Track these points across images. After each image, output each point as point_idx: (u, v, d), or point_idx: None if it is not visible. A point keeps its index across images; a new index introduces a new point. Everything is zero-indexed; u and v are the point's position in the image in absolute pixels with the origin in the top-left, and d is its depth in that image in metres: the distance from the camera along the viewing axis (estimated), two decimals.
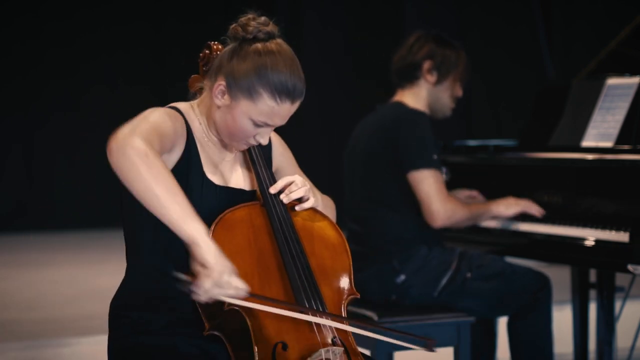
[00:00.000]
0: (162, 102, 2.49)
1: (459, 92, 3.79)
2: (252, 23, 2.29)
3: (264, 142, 2.33)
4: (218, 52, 2.34)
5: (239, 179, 2.40)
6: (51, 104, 8.60)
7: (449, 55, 3.72)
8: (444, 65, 3.71)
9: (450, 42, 3.76)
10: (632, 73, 3.55)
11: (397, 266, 3.57)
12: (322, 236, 2.39)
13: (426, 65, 3.70)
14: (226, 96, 2.29)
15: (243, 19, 2.31)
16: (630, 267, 3.10)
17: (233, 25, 2.31)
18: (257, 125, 2.29)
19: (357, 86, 8.76)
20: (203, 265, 2.06)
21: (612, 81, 3.58)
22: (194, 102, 2.41)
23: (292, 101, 2.28)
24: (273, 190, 2.35)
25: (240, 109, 2.27)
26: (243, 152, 2.44)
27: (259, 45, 2.27)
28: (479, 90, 8.76)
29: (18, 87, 8.48)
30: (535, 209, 3.55)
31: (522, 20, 8.29)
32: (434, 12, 8.45)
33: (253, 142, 2.34)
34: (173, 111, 2.31)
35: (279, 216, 2.33)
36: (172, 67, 8.18)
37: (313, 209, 2.42)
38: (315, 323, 2.24)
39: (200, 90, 2.41)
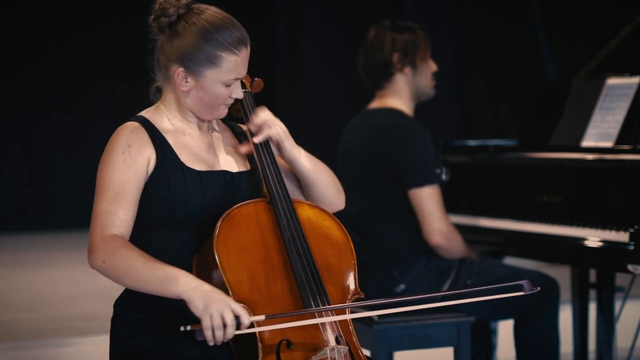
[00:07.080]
0: None
1: (433, 67, 3.73)
2: (168, 6, 2.35)
3: (239, 95, 2.38)
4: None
5: (225, 161, 2.42)
6: (51, 104, 8.58)
7: (411, 39, 3.66)
8: (410, 50, 3.65)
9: (405, 26, 3.69)
10: (632, 73, 3.55)
11: (397, 276, 3.54)
12: (328, 235, 2.40)
13: (395, 57, 3.65)
14: (189, 78, 2.33)
15: (157, 9, 2.37)
16: (630, 267, 3.10)
17: (151, 21, 2.38)
18: (228, 85, 2.34)
19: (357, 86, 8.74)
20: (200, 314, 2.12)
21: (612, 81, 3.58)
22: (159, 102, 2.44)
23: (246, 45, 2.35)
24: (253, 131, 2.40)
25: (209, 80, 2.33)
26: (246, 152, 2.46)
27: (188, 18, 2.34)
28: (479, 90, 8.75)
29: (18, 87, 8.47)
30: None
31: (522, 21, 8.28)
32: (434, 12, 8.45)
33: (231, 102, 2.39)
34: (127, 132, 2.32)
35: (286, 214, 2.33)
36: None
37: (319, 209, 2.44)
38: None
39: (159, 90, 2.45)
